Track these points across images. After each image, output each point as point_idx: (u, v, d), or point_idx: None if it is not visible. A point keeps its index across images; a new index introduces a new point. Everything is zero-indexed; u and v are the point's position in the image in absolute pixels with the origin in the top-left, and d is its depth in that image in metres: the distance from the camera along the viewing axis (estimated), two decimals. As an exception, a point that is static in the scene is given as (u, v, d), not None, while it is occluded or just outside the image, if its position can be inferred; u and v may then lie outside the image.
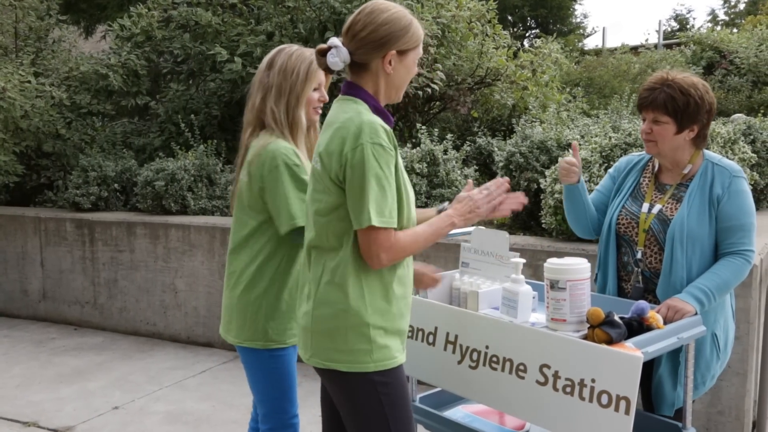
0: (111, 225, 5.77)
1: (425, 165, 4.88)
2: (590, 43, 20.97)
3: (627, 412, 1.85)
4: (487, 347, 2.21)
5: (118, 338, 5.58)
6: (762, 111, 8.73)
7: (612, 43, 21.98)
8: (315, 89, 2.35)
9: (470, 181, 2.27)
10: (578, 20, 22.41)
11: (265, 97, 2.30)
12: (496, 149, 5.61)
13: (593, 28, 34.53)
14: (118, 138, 7.16)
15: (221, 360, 4.97)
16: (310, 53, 2.32)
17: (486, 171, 6.10)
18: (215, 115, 7.08)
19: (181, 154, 6.13)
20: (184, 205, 5.79)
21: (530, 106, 6.49)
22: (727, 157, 4.37)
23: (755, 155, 4.93)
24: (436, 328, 2.40)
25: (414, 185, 4.77)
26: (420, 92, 6.44)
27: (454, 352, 2.31)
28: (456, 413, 2.56)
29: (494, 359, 2.18)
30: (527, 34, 20.22)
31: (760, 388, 3.59)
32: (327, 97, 2.40)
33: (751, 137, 5.50)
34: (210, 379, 4.61)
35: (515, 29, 19.26)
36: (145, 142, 7.09)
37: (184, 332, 5.42)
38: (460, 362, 2.29)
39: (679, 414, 2.34)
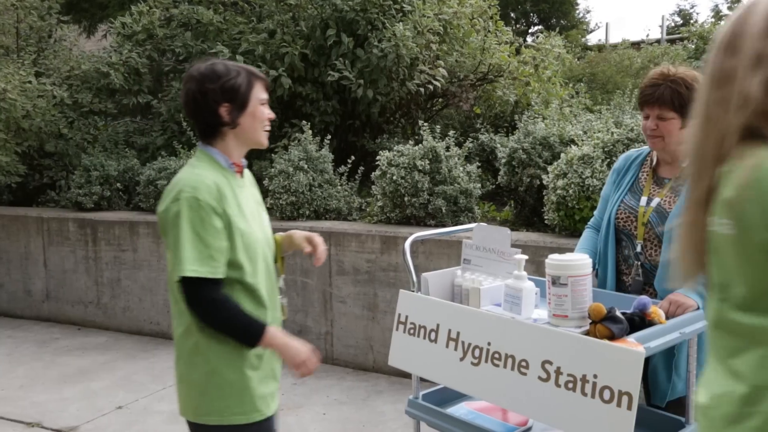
0: (114, 224, 5.78)
1: (427, 162, 4.87)
2: (593, 39, 20.92)
3: (629, 407, 1.83)
4: (489, 344, 2.20)
5: (122, 338, 5.59)
6: (766, 105, 8.66)
7: (616, 38, 21.92)
8: None
9: None
10: (581, 15, 22.34)
11: None
12: (498, 145, 5.59)
13: (596, 24, 34.42)
14: (121, 137, 7.17)
15: (225, 358, 4.97)
16: None
17: (489, 167, 6.09)
18: (217, 113, 7.08)
19: (183, 153, 6.13)
20: (187, 204, 5.79)
21: (533, 102, 6.47)
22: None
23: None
24: (438, 325, 2.39)
25: (417, 182, 4.76)
26: (422, 89, 6.43)
27: (456, 349, 2.30)
28: (459, 410, 2.55)
29: (496, 356, 2.17)
30: (530, 30, 20.18)
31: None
32: None
33: (755, 131, 5.47)
34: (213, 377, 4.61)
35: (518, 25, 19.22)
36: (148, 141, 7.09)
37: (188, 331, 5.42)
38: (462, 359, 2.28)
39: (674, 405, 2.34)
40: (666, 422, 2.27)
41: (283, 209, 5.14)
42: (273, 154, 5.75)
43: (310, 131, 5.49)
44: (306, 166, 5.21)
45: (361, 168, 5.46)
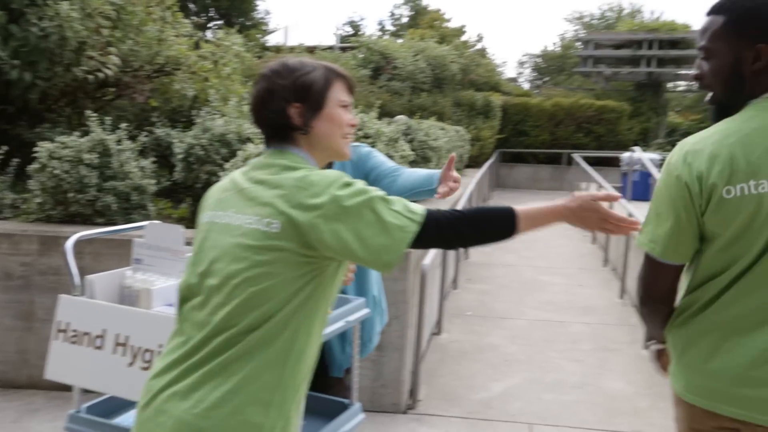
0: None
1: (96, 155, 4.51)
2: (273, 40, 21.56)
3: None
4: (160, 346, 2.13)
5: None
6: (419, 114, 9.87)
7: (294, 41, 22.90)
8: None
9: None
10: (261, 16, 22.85)
11: None
12: (175, 141, 5.43)
13: (276, 26, 35.55)
14: None
15: None
16: None
17: (165, 163, 5.87)
18: None
19: None
20: None
21: (211, 98, 6.42)
22: (388, 154, 4.85)
23: (413, 153, 5.56)
24: (104, 331, 2.24)
25: (83, 177, 4.39)
26: (91, 76, 5.94)
27: (124, 354, 2.19)
28: (128, 419, 2.42)
29: (168, 358, 2.11)
30: (209, 25, 19.99)
31: (415, 358, 4.07)
32: None
33: (410, 136, 6.19)
34: None
35: (197, 17, 18.90)
36: None
37: None
38: (131, 364, 2.17)
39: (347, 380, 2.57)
40: (331, 405, 2.45)
41: None
42: None
43: (-51, 115, 4.70)
44: (-57, 156, 4.45)
45: (17, 160, 4.85)
